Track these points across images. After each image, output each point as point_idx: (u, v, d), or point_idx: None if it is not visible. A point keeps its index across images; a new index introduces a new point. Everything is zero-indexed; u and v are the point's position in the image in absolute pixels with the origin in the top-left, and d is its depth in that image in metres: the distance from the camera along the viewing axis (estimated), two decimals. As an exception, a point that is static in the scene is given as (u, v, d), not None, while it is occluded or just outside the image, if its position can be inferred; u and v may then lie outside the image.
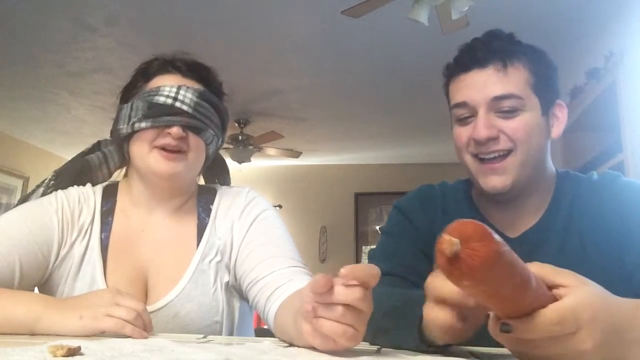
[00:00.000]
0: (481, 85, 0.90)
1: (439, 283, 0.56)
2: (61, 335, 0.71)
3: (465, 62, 0.93)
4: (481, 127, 0.89)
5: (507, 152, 0.90)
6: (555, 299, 0.50)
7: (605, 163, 2.85)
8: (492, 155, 0.91)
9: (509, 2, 2.80)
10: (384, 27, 3.11)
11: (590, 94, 2.98)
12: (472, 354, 0.62)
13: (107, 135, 1.06)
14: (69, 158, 1.11)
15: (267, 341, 0.74)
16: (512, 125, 0.89)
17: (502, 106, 0.90)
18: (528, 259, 0.51)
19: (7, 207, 5.15)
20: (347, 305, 0.55)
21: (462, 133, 0.94)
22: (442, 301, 0.57)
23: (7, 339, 0.71)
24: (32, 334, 0.74)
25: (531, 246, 0.91)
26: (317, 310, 0.56)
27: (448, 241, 0.42)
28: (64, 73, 3.82)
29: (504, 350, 0.61)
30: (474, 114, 0.92)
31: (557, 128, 0.96)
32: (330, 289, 0.55)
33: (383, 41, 3.32)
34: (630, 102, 2.61)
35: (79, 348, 0.54)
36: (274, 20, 3.12)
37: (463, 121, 0.94)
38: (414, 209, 1.02)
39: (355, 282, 0.55)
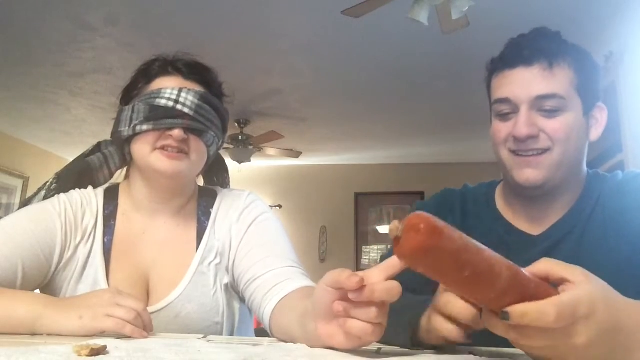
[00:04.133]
0: (526, 83, 0.91)
1: (451, 300, 0.56)
2: (62, 335, 0.72)
3: (511, 59, 0.94)
4: (522, 125, 0.90)
5: (545, 150, 0.91)
6: (555, 294, 0.50)
7: (605, 163, 2.85)
8: (530, 153, 0.92)
9: (509, 2, 2.80)
10: (384, 27, 3.11)
11: (590, 93, 2.97)
12: (472, 353, 0.62)
13: (107, 135, 1.06)
14: (69, 158, 1.11)
15: (266, 341, 0.74)
16: (553, 125, 0.90)
17: (544, 105, 0.90)
18: (550, 254, 0.51)
19: (7, 207, 5.15)
20: (381, 303, 0.54)
21: (502, 129, 0.95)
22: (451, 318, 0.57)
23: (7, 339, 0.71)
24: (33, 333, 0.75)
25: (554, 242, 0.93)
26: (349, 311, 0.55)
27: (394, 225, 0.47)
28: (64, 73, 3.82)
29: (504, 350, 0.61)
30: (515, 110, 0.92)
31: (596, 130, 0.97)
32: (362, 287, 0.53)
33: (383, 41, 3.32)
34: (630, 102, 2.61)
35: (104, 347, 0.55)
36: (274, 21, 3.12)
37: (504, 117, 0.95)
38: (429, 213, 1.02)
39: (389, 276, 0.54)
